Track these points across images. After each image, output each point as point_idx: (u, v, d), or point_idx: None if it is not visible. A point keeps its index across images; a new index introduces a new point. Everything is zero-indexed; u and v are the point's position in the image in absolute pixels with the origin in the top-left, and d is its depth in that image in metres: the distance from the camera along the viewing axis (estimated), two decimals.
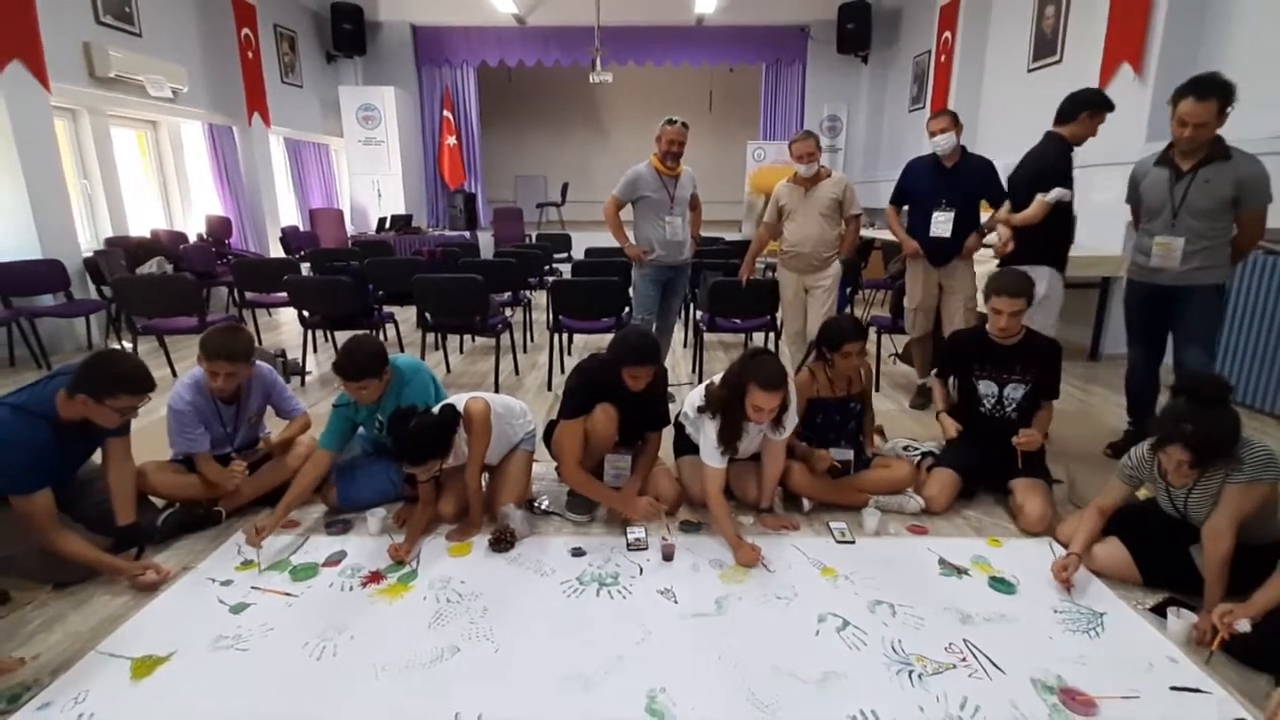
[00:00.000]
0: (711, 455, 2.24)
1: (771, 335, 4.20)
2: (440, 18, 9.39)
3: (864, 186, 6.68)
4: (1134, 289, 2.85)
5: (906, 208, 3.60)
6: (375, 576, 2.07)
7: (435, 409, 2.21)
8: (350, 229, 9.11)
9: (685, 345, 5.17)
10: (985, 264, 3.64)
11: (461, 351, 5.10)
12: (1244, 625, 1.63)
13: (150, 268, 5.26)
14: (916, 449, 2.90)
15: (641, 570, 2.11)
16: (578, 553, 2.21)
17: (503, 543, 2.22)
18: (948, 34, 6.88)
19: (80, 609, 1.91)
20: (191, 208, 6.91)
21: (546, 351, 4.27)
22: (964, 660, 1.70)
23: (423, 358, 3.05)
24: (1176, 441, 1.75)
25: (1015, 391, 2.53)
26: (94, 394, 1.85)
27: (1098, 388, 4.04)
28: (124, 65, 5.50)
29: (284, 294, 4.37)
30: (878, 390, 3.99)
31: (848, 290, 4.82)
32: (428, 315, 4.17)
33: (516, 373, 4.44)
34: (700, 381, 2.81)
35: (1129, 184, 2.81)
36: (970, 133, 6.36)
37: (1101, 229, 4.50)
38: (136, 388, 1.91)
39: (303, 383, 4.21)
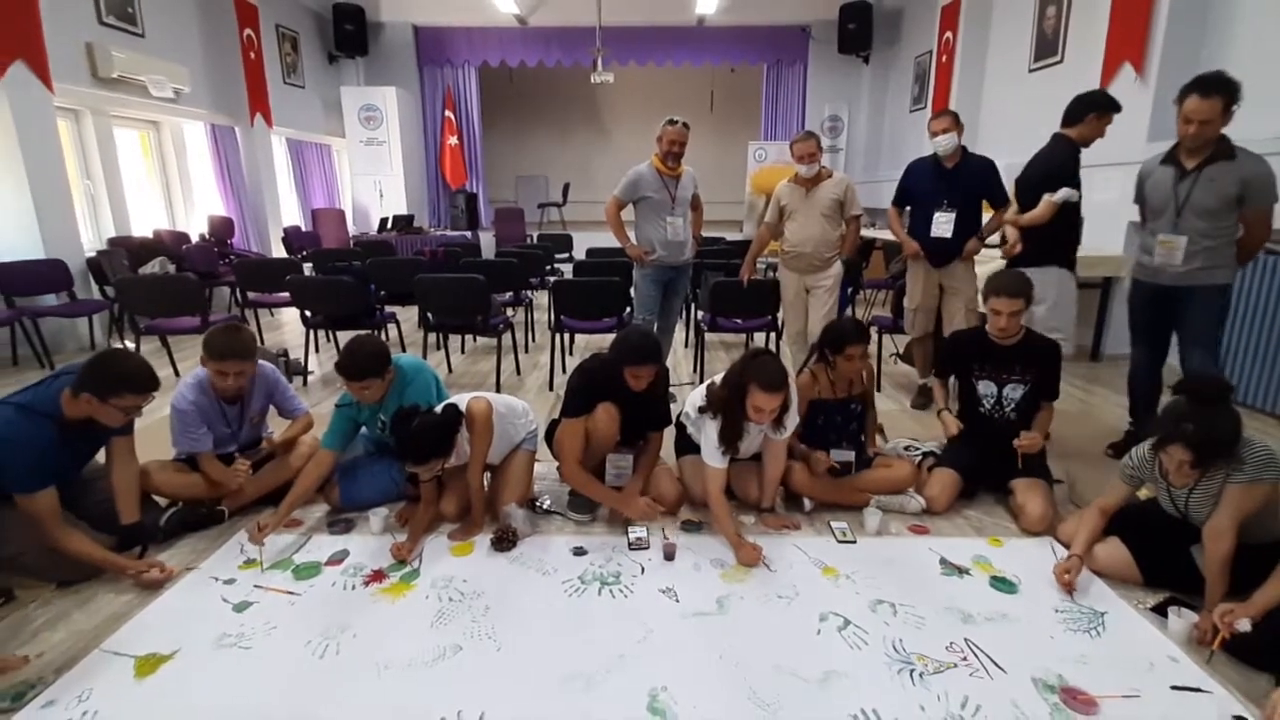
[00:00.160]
0: (712, 455, 2.24)
1: (772, 335, 4.20)
2: (442, 18, 9.40)
3: (865, 187, 6.69)
4: (1138, 289, 2.85)
5: (908, 208, 3.60)
6: (377, 575, 2.08)
7: (437, 409, 2.22)
8: (352, 229, 9.12)
9: (686, 345, 5.17)
10: (986, 264, 3.65)
11: (463, 351, 5.11)
12: (1244, 625, 1.64)
13: (153, 268, 5.28)
14: (917, 449, 2.91)
15: (643, 569, 2.12)
16: (579, 552, 2.21)
17: (504, 542, 2.23)
18: (949, 34, 6.88)
19: (84, 607, 1.91)
20: (194, 208, 6.92)
21: (548, 351, 4.28)
22: (965, 659, 1.70)
23: (424, 357, 3.06)
24: (1178, 441, 1.75)
25: (1014, 392, 2.53)
26: (98, 393, 1.86)
27: (1099, 388, 4.04)
28: (126, 66, 5.52)
29: (286, 294, 4.38)
30: (879, 390, 4.00)
31: (849, 290, 4.82)
32: (429, 315, 4.18)
33: (518, 373, 4.44)
34: (701, 381, 2.82)
35: (1136, 183, 2.81)
36: (971, 133, 6.37)
37: (1102, 229, 4.50)
38: (140, 387, 1.92)
39: (305, 382, 4.22)
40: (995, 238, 3.59)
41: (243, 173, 7.32)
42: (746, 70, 10.47)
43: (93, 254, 5.15)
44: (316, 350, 4.79)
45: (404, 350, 4.79)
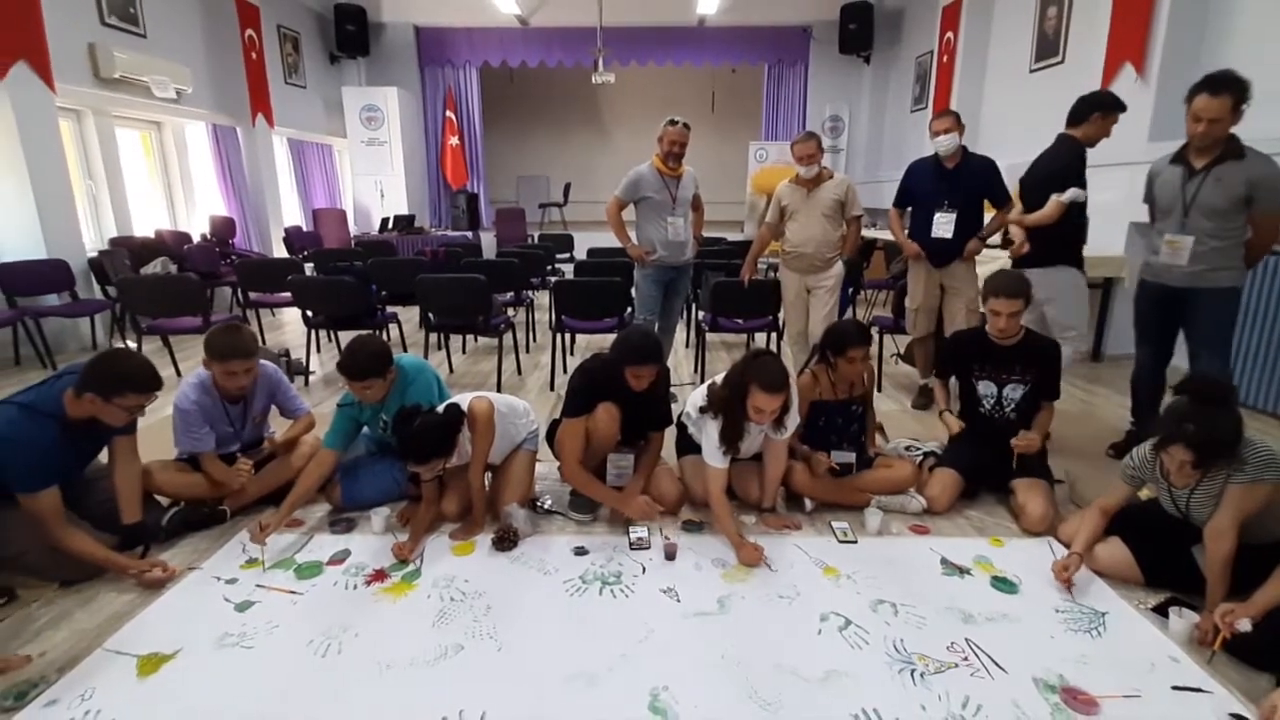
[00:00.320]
0: (713, 455, 2.25)
1: (773, 336, 4.20)
2: (443, 19, 9.41)
3: (866, 187, 6.70)
4: (1145, 289, 2.82)
5: (909, 209, 3.60)
6: (379, 575, 2.08)
7: (439, 408, 2.22)
8: (353, 229, 9.13)
9: (687, 345, 5.18)
10: (987, 264, 3.65)
11: (464, 351, 5.12)
12: (1245, 625, 1.64)
13: (155, 268, 5.28)
14: (918, 449, 2.91)
15: (644, 569, 2.12)
16: (580, 552, 2.21)
17: (506, 542, 2.23)
18: (950, 34, 6.88)
19: (87, 607, 1.92)
20: (195, 208, 6.93)
21: (549, 351, 4.28)
22: (966, 659, 1.70)
23: (425, 358, 3.06)
24: (1179, 442, 1.75)
25: (1014, 392, 2.53)
26: (102, 393, 1.86)
27: (1100, 388, 4.04)
28: (129, 66, 5.52)
29: (288, 294, 4.39)
30: (880, 391, 4.00)
31: (849, 291, 4.82)
32: (430, 315, 4.18)
33: (519, 373, 4.45)
34: (702, 382, 2.82)
35: (1146, 182, 2.78)
36: (972, 133, 6.37)
37: (1104, 230, 4.50)
38: (144, 386, 1.93)
39: (306, 382, 4.22)
40: (996, 238, 3.59)
41: (244, 173, 7.33)
42: (747, 70, 10.47)
43: (94, 254, 5.15)
44: (318, 350, 4.80)
45: (405, 350, 4.79)
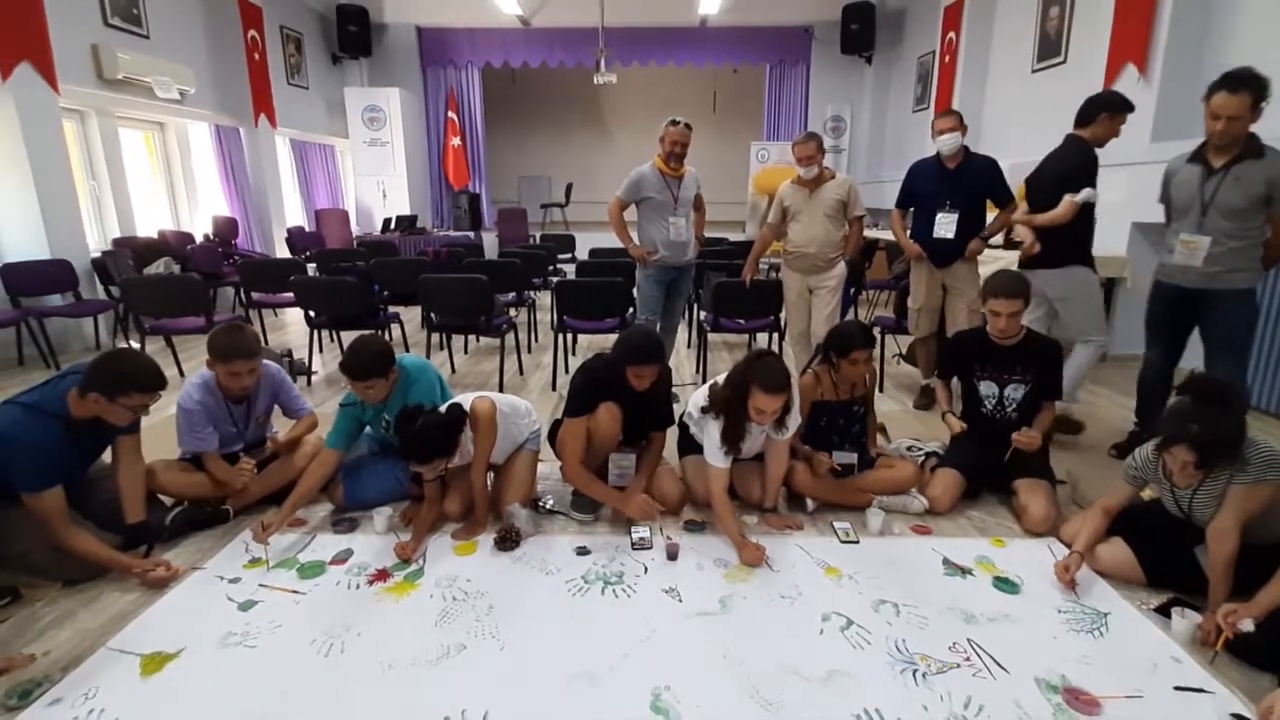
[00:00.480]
0: (715, 455, 2.25)
1: (775, 336, 4.20)
2: (445, 19, 9.42)
3: (868, 187, 6.69)
4: (1160, 290, 2.78)
5: (911, 209, 3.60)
6: (382, 575, 2.09)
7: (441, 408, 2.22)
8: (355, 229, 9.14)
9: (689, 346, 5.18)
10: (990, 264, 3.65)
11: (466, 352, 5.12)
12: (1248, 625, 1.63)
13: (157, 268, 5.29)
14: (920, 449, 2.91)
15: (646, 569, 2.12)
16: (582, 552, 2.22)
17: (508, 541, 2.23)
18: (952, 34, 6.87)
19: (90, 606, 1.92)
20: (198, 208, 6.95)
21: (551, 352, 4.28)
22: (968, 660, 1.70)
23: (428, 358, 3.07)
24: (1182, 442, 1.75)
25: (1016, 392, 2.53)
26: (106, 392, 1.87)
27: (1102, 389, 4.04)
28: (132, 67, 5.54)
29: (290, 294, 4.39)
30: (881, 391, 4.00)
31: (851, 291, 4.82)
32: (433, 315, 4.19)
33: (521, 373, 4.45)
34: (704, 382, 2.82)
35: (1162, 182, 2.75)
36: (974, 133, 6.36)
37: (1107, 230, 4.49)
38: (148, 386, 1.93)
39: (309, 382, 4.23)
40: (999, 238, 3.58)
41: (247, 173, 7.35)
42: (749, 71, 10.47)
43: (98, 254, 5.16)
44: (320, 350, 4.81)
45: (407, 350, 4.80)
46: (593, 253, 5.96)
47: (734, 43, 9.55)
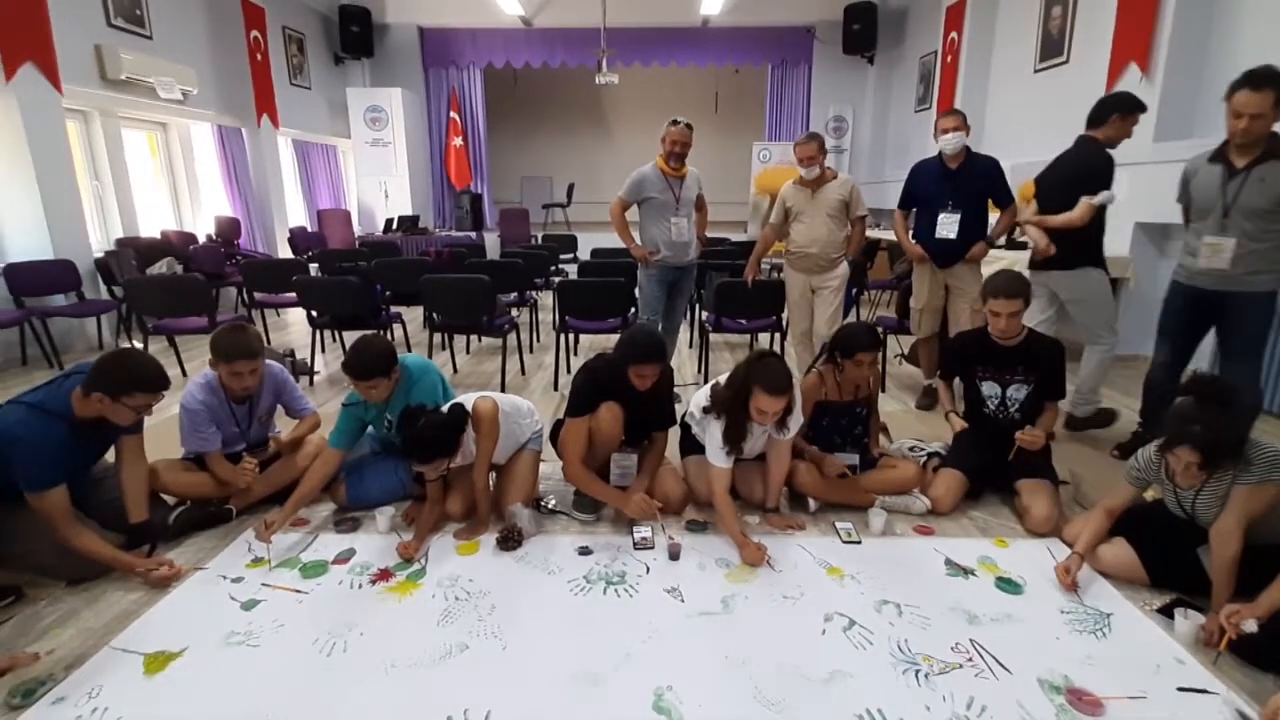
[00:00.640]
0: (717, 455, 2.25)
1: (777, 336, 4.20)
2: (447, 20, 9.43)
3: (870, 187, 6.70)
4: (1177, 291, 2.73)
5: (914, 210, 3.60)
6: (384, 574, 2.09)
7: (443, 408, 2.23)
8: (357, 230, 9.15)
9: (691, 346, 5.17)
10: (992, 264, 3.65)
11: (468, 352, 5.13)
12: (1251, 626, 1.63)
13: (160, 268, 5.31)
14: (922, 449, 2.90)
15: (648, 569, 2.12)
16: (585, 551, 2.22)
17: (510, 541, 2.23)
18: (954, 34, 6.87)
19: (93, 605, 1.93)
20: (201, 209, 6.96)
21: (553, 352, 4.29)
22: (970, 660, 1.70)
23: (430, 358, 3.07)
24: (1185, 443, 1.74)
25: (1018, 392, 2.52)
26: (110, 392, 1.87)
27: (1105, 389, 4.02)
28: (135, 67, 5.55)
29: (293, 294, 4.40)
30: (883, 391, 3.99)
31: (853, 291, 4.82)
32: (435, 315, 4.19)
33: (523, 373, 4.45)
34: (706, 382, 2.82)
35: (1180, 182, 2.70)
36: (976, 133, 6.33)
37: (1109, 231, 4.48)
38: (152, 386, 1.94)
39: (311, 382, 4.24)
40: (1002, 240, 3.58)
41: (249, 173, 7.36)
42: (751, 71, 10.47)
43: (101, 254, 5.18)
44: (323, 350, 4.81)
45: (410, 350, 4.81)
46: (594, 253, 5.97)
47: (736, 43, 9.55)
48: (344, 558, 2.18)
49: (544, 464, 2.62)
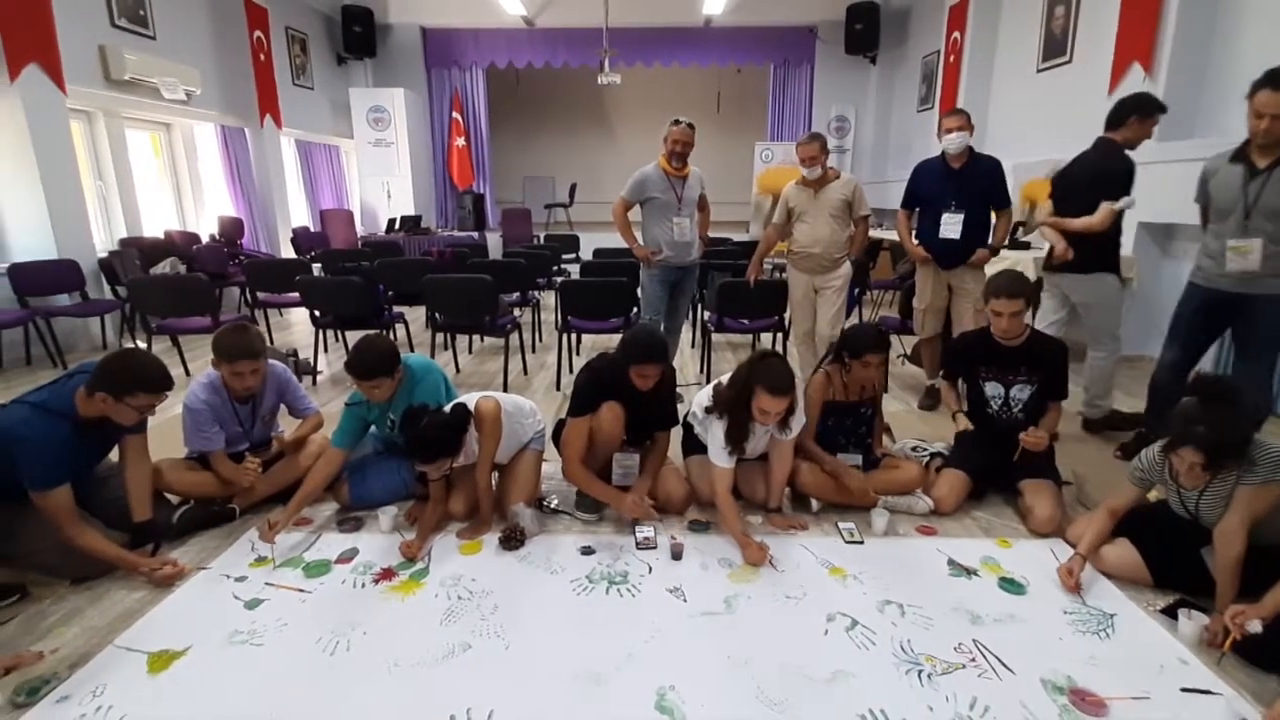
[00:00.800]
0: (719, 455, 2.25)
1: (779, 336, 4.20)
2: (449, 20, 9.44)
3: (872, 187, 6.67)
4: (1194, 292, 2.71)
5: (917, 210, 3.59)
6: (387, 573, 2.09)
7: (446, 408, 2.23)
8: (360, 230, 9.16)
9: (693, 346, 5.18)
10: (995, 264, 3.64)
11: (470, 351, 5.13)
12: (1255, 626, 1.62)
13: (164, 268, 5.32)
14: (925, 450, 2.90)
15: (650, 569, 2.12)
16: (587, 551, 2.22)
17: (513, 541, 2.23)
18: (957, 34, 6.86)
19: (97, 604, 1.93)
20: (204, 209, 6.98)
21: (555, 352, 4.29)
22: (973, 660, 1.70)
23: (432, 358, 3.07)
24: (1189, 444, 1.74)
25: (1021, 392, 2.52)
26: (113, 392, 1.88)
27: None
28: (138, 68, 5.57)
29: (296, 294, 4.41)
30: (886, 391, 3.99)
31: (856, 291, 4.82)
32: (437, 315, 4.20)
33: (525, 373, 4.46)
34: (708, 382, 2.82)
35: (1199, 182, 2.67)
36: (979, 133, 6.32)
37: None
38: (155, 386, 1.94)
39: (314, 382, 4.24)
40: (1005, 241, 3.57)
41: (252, 174, 7.38)
42: (753, 71, 10.47)
43: (105, 254, 5.19)
44: (325, 350, 4.82)
45: (412, 350, 4.81)
46: (597, 253, 5.97)
47: (738, 43, 9.54)
48: (347, 557, 2.19)
49: (546, 464, 2.62)
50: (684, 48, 9.59)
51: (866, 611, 1.90)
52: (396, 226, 8.42)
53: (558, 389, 4.07)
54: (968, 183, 3.33)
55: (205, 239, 6.62)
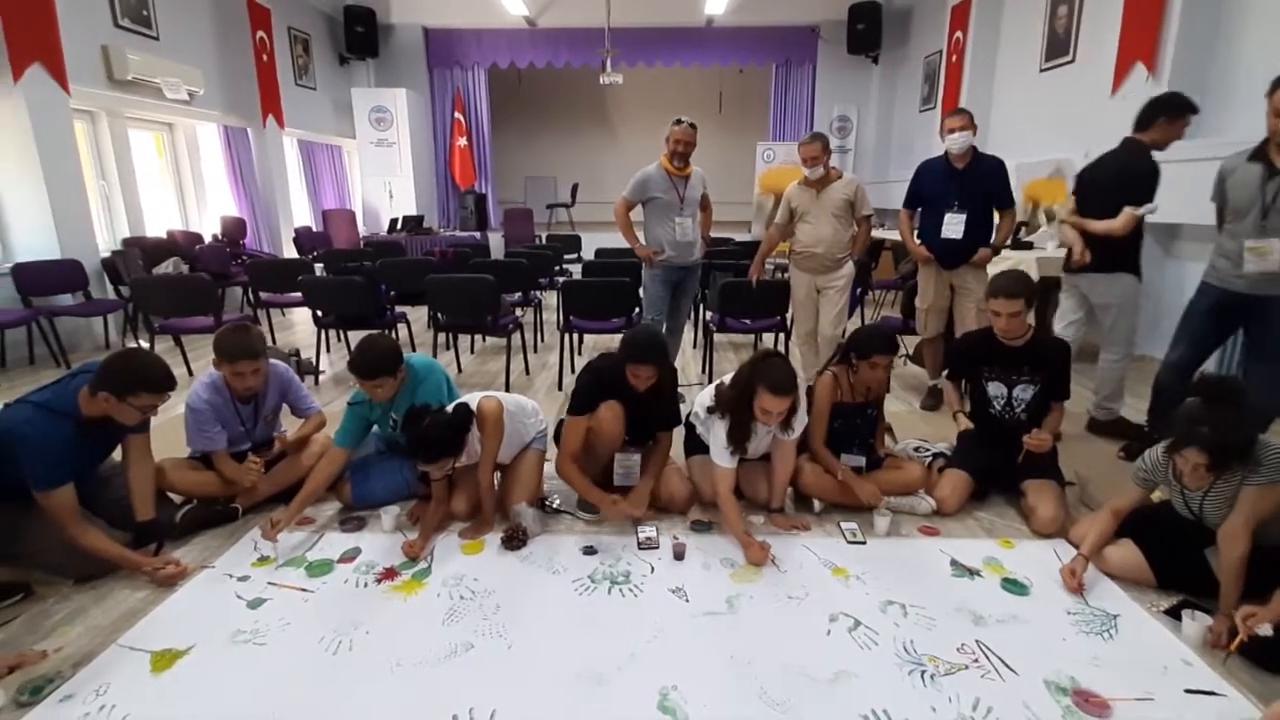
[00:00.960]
0: (721, 455, 2.25)
1: (781, 336, 4.20)
2: (451, 20, 9.45)
3: (874, 187, 6.67)
4: (1207, 292, 2.69)
5: (919, 209, 3.59)
6: (389, 573, 2.09)
7: (448, 408, 2.23)
8: (362, 230, 9.17)
9: (695, 346, 5.17)
10: (998, 264, 3.63)
11: (472, 351, 5.13)
12: (1266, 629, 1.61)
13: (167, 268, 5.33)
14: (928, 450, 2.90)
15: (653, 569, 2.12)
16: (589, 551, 2.22)
17: (515, 541, 2.23)
18: (959, 34, 6.85)
19: (101, 603, 1.94)
20: (207, 209, 6.99)
21: (557, 352, 4.30)
22: (976, 661, 1.70)
23: (434, 357, 3.07)
24: (1193, 444, 1.73)
25: (1025, 393, 2.51)
26: (116, 392, 1.88)
27: None
28: (141, 68, 5.58)
29: (298, 294, 4.41)
30: (888, 391, 3.98)
31: (858, 291, 4.81)
32: (439, 315, 4.20)
33: (527, 373, 4.46)
34: (710, 382, 2.82)
35: (1215, 181, 2.65)
36: (982, 133, 6.32)
37: None
38: (158, 386, 1.94)
39: (316, 382, 4.25)
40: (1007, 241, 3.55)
41: (255, 174, 7.38)
42: (755, 71, 10.46)
43: (107, 254, 5.21)
44: (328, 350, 4.83)
45: (414, 350, 4.81)
46: (599, 253, 5.97)
47: (740, 43, 9.54)
48: (349, 556, 2.19)
49: (548, 463, 2.61)
50: (686, 48, 9.59)
51: (869, 612, 1.90)
52: (398, 226, 8.42)
53: (560, 389, 4.07)
54: (970, 183, 3.33)
55: (208, 239, 6.63)
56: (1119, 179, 2.91)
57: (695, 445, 2.56)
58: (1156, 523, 2.05)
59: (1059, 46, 5.61)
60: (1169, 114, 2.84)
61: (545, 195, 11.63)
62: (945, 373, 2.89)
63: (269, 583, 2.05)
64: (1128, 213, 2.83)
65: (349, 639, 1.78)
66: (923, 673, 1.65)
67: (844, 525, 2.36)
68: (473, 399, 2.32)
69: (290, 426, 2.74)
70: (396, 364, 2.31)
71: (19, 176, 4.61)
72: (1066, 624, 1.85)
